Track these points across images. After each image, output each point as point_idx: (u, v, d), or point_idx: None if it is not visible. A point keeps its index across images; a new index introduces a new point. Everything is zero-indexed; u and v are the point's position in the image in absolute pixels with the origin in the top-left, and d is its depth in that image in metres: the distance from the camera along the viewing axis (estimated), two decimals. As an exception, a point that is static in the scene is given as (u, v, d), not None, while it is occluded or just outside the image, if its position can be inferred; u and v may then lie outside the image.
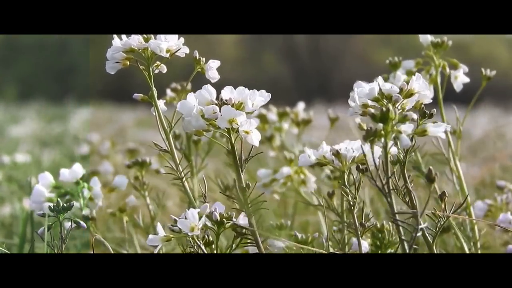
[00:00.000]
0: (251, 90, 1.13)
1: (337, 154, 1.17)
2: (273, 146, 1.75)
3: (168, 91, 1.49)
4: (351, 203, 1.16)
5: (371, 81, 1.18)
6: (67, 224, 1.19)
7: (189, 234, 1.09)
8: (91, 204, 1.37)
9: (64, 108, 9.36)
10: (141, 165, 1.48)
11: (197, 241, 1.11)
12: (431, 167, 1.16)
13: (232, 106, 1.11)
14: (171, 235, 1.11)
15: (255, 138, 1.12)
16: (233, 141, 1.13)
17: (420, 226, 1.13)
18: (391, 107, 1.08)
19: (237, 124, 1.10)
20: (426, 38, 1.39)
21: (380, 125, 1.08)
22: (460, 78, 1.41)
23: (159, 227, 1.12)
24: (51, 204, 1.17)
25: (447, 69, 1.40)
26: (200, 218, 1.10)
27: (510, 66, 13.42)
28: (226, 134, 1.13)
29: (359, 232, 1.17)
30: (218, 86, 1.16)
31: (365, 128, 1.10)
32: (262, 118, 1.74)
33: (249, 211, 1.14)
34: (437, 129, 1.12)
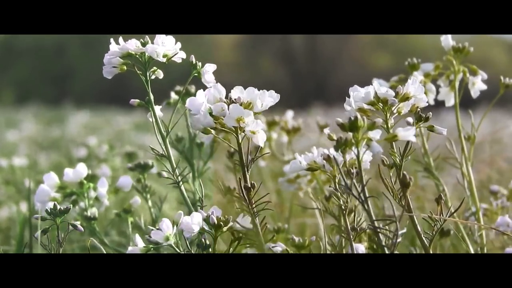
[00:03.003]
0: (260, 91, 1.13)
1: (327, 158, 1.16)
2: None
3: (172, 94, 1.49)
4: (343, 207, 1.16)
5: (367, 84, 1.17)
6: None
7: (163, 244, 1.08)
8: (96, 205, 1.37)
9: (61, 112, 9.35)
10: (144, 168, 1.48)
11: (176, 248, 1.10)
12: (404, 172, 1.12)
13: (241, 105, 1.11)
14: (150, 246, 1.10)
15: (260, 138, 1.11)
16: (240, 141, 1.13)
17: (400, 232, 1.13)
18: (358, 116, 1.06)
19: (245, 123, 1.10)
20: (448, 42, 1.37)
21: (350, 134, 1.06)
22: (477, 85, 1.40)
23: (137, 238, 1.11)
24: (49, 207, 1.17)
25: (467, 75, 1.38)
26: (174, 226, 1.09)
27: (507, 69, 13.44)
28: (234, 134, 1.13)
29: (351, 236, 1.16)
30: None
31: (335, 138, 1.08)
32: None
33: (253, 211, 1.14)
34: (407, 133, 1.08)
